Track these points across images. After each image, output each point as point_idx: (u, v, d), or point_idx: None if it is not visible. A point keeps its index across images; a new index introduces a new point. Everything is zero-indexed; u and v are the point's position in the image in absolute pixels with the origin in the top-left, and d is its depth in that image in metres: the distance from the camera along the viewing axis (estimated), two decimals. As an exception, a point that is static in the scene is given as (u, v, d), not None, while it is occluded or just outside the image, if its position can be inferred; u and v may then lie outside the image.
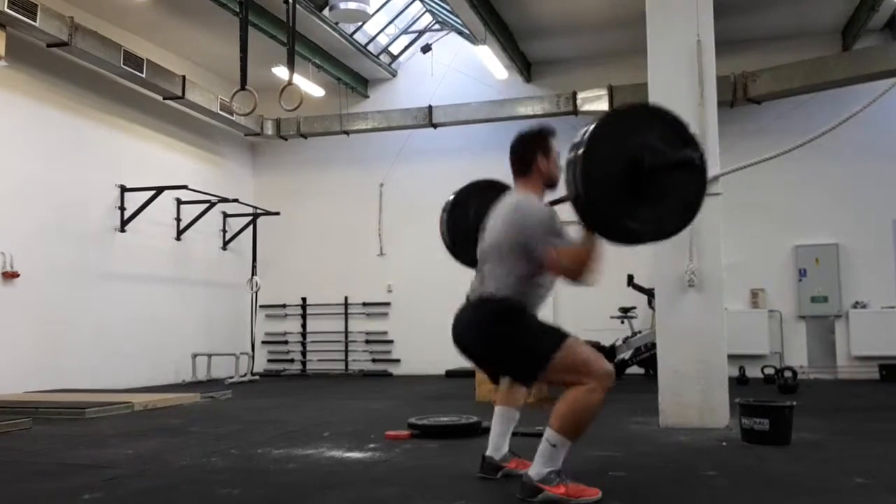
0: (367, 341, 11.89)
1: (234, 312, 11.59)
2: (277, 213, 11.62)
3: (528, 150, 3.34)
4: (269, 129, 11.76)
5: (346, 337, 11.96)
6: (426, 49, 11.42)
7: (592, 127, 2.87)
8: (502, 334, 3.08)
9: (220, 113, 10.52)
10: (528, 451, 3.54)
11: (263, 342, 12.11)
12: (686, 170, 2.93)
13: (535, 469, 3.02)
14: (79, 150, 9.05)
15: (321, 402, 7.65)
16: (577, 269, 2.98)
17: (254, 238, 11.72)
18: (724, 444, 4.51)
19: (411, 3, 11.11)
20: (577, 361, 3.01)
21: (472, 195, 3.95)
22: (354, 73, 11.77)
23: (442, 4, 10.07)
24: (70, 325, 8.71)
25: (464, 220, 3.91)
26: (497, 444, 3.50)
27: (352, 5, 8.40)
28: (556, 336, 3.05)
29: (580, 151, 2.81)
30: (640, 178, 2.85)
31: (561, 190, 3.29)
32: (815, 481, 3.50)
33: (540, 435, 3.07)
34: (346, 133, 11.66)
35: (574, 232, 3.03)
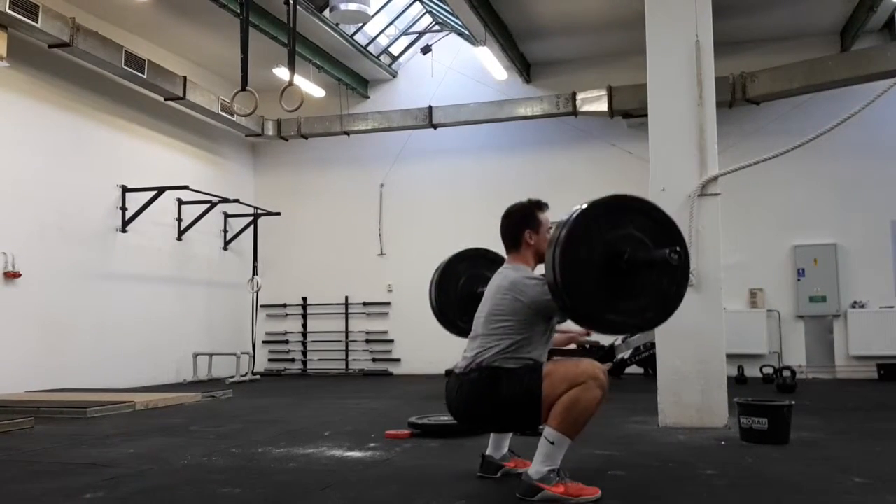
0: (368, 341, 11.92)
1: (235, 312, 11.61)
2: (278, 214, 11.65)
3: (517, 228, 3.41)
4: (270, 129, 11.78)
5: (347, 336, 11.99)
6: (426, 50, 11.45)
7: (577, 213, 2.90)
8: (489, 403, 3.15)
9: (221, 113, 10.54)
10: (527, 451, 3.56)
11: (264, 342, 12.13)
12: (667, 268, 2.93)
13: (535, 468, 3.04)
14: (80, 150, 9.08)
15: (322, 401, 7.66)
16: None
17: (254, 238, 11.74)
18: (722, 443, 4.53)
19: (411, 4, 11.13)
20: (565, 377, 3.06)
21: (461, 264, 4.01)
22: (355, 74, 11.79)
23: (442, 6, 10.09)
24: (71, 325, 8.73)
25: (453, 287, 4.00)
26: (497, 444, 3.51)
27: (352, 6, 8.42)
28: (533, 373, 3.11)
29: (556, 250, 2.84)
30: (620, 273, 2.89)
31: None
32: (814, 480, 3.51)
33: (540, 433, 3.10)
34: (347, 133, 11.68)
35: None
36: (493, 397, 3.13)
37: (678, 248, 2.90)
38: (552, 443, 3.02)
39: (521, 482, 3.08)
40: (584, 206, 2.95)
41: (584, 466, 3.63)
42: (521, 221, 3.41)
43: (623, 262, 2.88)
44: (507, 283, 3.26)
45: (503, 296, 3.23)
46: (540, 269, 3.39)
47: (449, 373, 11.06)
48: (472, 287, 3.93)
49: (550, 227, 3.40)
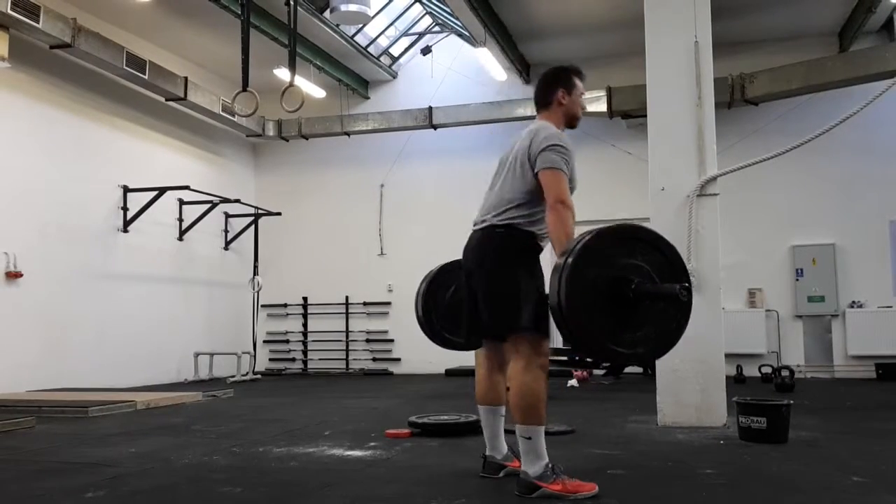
0: (368, 340, 11.94)
1: (236, 312, 11.64)
2: (279, 214, 11.67)
3: (551, 84, 3.43)
4: (271, 130, 11.80)
5: (347, 336, 12.01)
6: (426, 51, 11.48)
7: (589, 237, 2.88)
8: (501, 262, 3.16)
9: (222, 114, 10.55)
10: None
11: (265, 341, 12.15)
12: (671, 302, 2.92)
13: (529, 466, 3.07)
14: (81, 151, 9.10)
15: (322, 400, 7.68)
16: (563, 202, 3.08)
17: (255, 238, 11.77)
18: (721, 442, 4.55)
19: (411, 5, 11.15)
20: (541, 349, 3.12)
21: (449, 275, 3.89)
22: (355, 75, 11.81)
23: (442, 7, 10.10)
24: (73, 325, 8.75)
25: (441, 298, 3.91)
26: (494, 444, 3.51)
27: (352, 7, 8.44)
28: (547, 325, 3.11)
29: (562, 276, 2.80)
30: (625, 303, 2.87)
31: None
32: (812, 480, 3.52)
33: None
34: (347, 134, 11.70)
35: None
36: (499, 257, 3.18)
37: (687, 285, 2.89)
38: (528, 438, 3.06)
39: (518, 480, 3.11)
40: (595, 231, 2.91)
41: (584, 465, 3.65)
42: (556, 80, 3.42)
43: (630, 292, 2.85)
44: (529, 137, 3.26)
45: (521, 145, 3.26)
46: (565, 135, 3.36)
47: (450, 372, 11.05)
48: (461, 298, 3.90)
49: (583, 93, 3.46)
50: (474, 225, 3.37)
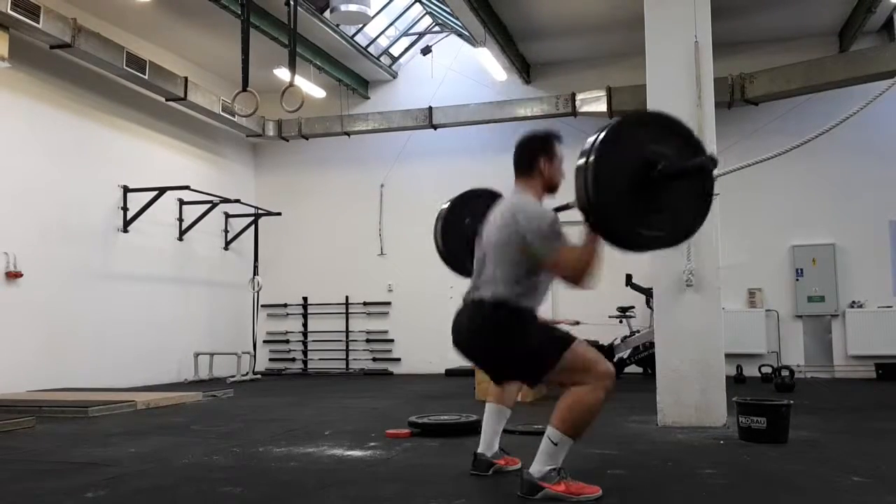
0: (368, 340, 11.94)
1: (236, 312, 11.64)
2: (279, 214, 11.67)
3: (533, 151, 3.35)
4: (271, 130, 11.80)
5: (347, 336, 12.01)
6: (426, 51, 11.48)
7: (602, 134, 2.86)
8: (507, 339, 3.07)
9: (222, 114, 10.55)
10: (521, 449, 3.59)
11: (265, 341, 12.16)
12: (696, 177, 2.93)
13: (536, 466, 3.05)
14: (81, 151, 9.10)
15: (322, 400, 7.68)
16: (579, 273, 2.98)
17: (255, 238, 11.77)
18: (721, 442, 4.55)
19: (411, 5, 11.15)
20: (582, 363, 3.04)
21: (466, 203, 3.98)
22: (355, 75, 11.81)
23: (442, 7, 10.11)
24: (73, 325, 8.75)
25: (458, 227, 3.93)
26: (489, 442, 3.53)
27: (352, 7, 8.44)
28: (563, 339, 3.06)
29: (591, 158, 2.79)
30: (651, 186, 2.85)
31: (561, 196, 3.32)
32: (812, 479, 3.52)
33: (538, 433, 3.11)
34: (347, 134, 11.70)
35: (576, 236, 3.03)
36: (509, 339, 3.08)
37: (712, 156, 2.87)
38: (555, 443, 3.02)
39: (522, 480, 3.09)
40: (614, 121, 2.92)
41: (584, 465, 3.65)
42: (539, 148, 3.35)
43: (656, 173, 2.83)
44: (508, 211, 3.20)
45: (505, 224, 3.17)
46: (547, 204, 3.34)
47: (449, 372, 11.05)
48: (480, 226, 3.91)
49: (562, 160, 3.38)
50: (465, 297, 3.29)
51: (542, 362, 3.04)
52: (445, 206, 4.04)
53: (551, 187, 3.37)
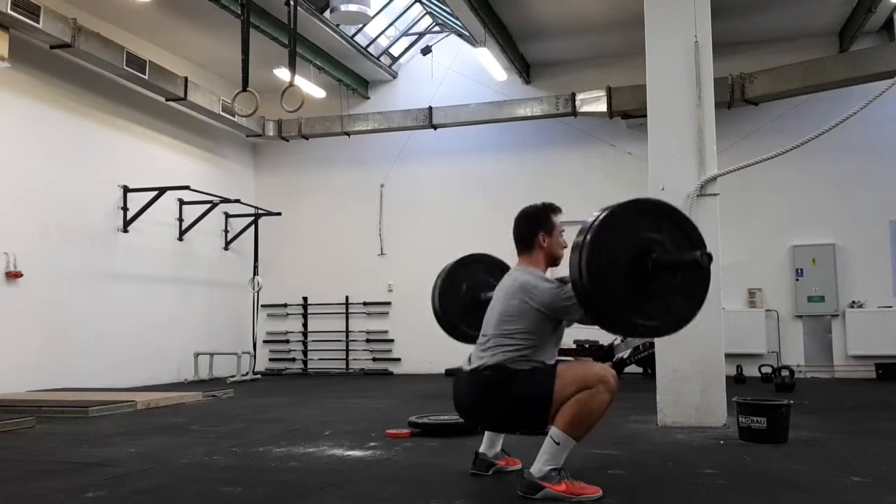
0: (368, 340, 11.94)
1: (236, 312, 11.64)
2: (279, 214, 11.68)
3: (530, 228, 3.40)
4: (271, 130, 11.80)
5: (347, 336, 12.01)
6: (426, 51, 11.48)
7: (602, 216, 2.88)
8: (498, 394, 3.14)
9: (222, 114, 10.56)
10: (521, 449, 3.58)
11: (265, 341, 12.16)
12: (692, 271, 2.95)
13: (538, 466, 3.06)
14: (81, 150, 9.10)
15: (322, 400, 7.68)
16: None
17: (255, 238, 11.77)
18: (721, 442, 4.55)
19: (412, 5, 11.15)
20: (575, 379, 3.08)
21: (466, 267, 4.06)
22: (355, 75, 11.81)
23: (442, 7, 10.11)
24: (73, 325, 8.76)
25: (455, 290, 4.02)
26: (491, 442, 3.54)
27: (352, 7, 8.44)
28: (545, 374, 3.11)
29: (587, 237, 2.82)
30: (645, 274, 2.87)
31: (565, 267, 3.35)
32: (812, 479, 3.52)
33: (546, 433, 3.11)
34: (347, 134, 11.70)
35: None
36: (504, 396, 3.13)
37: (708, 252, 2.89)
38: (557, 443, 3.03)
39: (522, 480, 3.10)
40: (610, 208, 2.92)
41: (584, 465, 3.65)
42: (535, 224, 3.40)
43: (650, 262, 2.86)
44: (517, 284, 3.25)
45: (512, 298, 3.23)
46: (551, 273, 3.40)
47: (449, 372, 11.06)
48: (476, 293, 3.97)
49: (563, 231, 3.42)
50: (465, 365, 3.33)
51: (539, 407, 3.08)
52: (447, 266, 4.11)
53: (553, 260, 3.41)
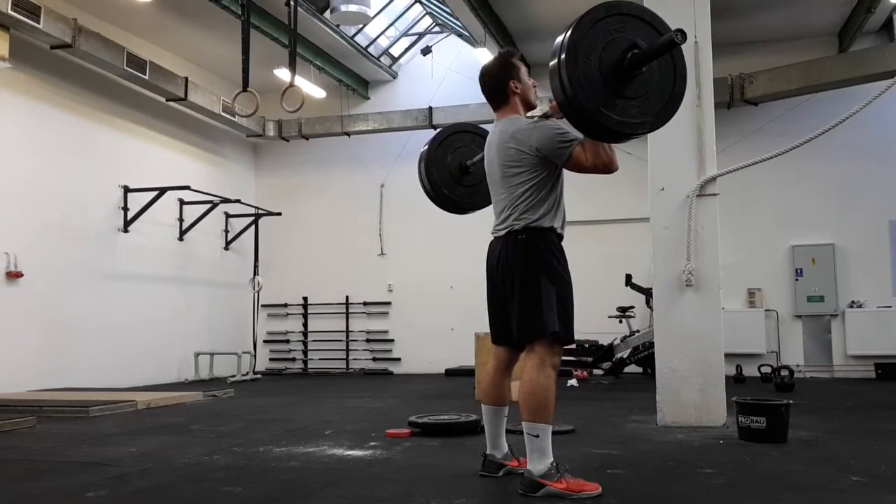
0: (368, 340, 11.95)
1: (236, 312, 11.65)
2: (279, 214, 11.68)
3: (499, 80, 3.42)
4: (271, 130, 11.82)
5: (347, 336, 12.02)
6: (426, 51, 11.49)
7: (569, 32, 2.90)
8: (544, 273, 3.17)
9: (223, 114, 10.57)
10: (521, 449, 3.58)
11: (265, 341, 12.17)
12: (668, 55, 2.95)
13: (534, 464, 3.07)
14: (82, 151, 9.11)
15: (322, 400, 7.69)
16: (603, 154, 3.09)
17: (255, 238, 11.78)
18: (721, 442, 4.55)
19: (412, 5, 11.16)
20: (557, 350, 3.21)
21: (443, 142, 4.17)
22: (355, 75, 11.82)
23: (442, 7, 10.11)
24: (73, 325, 8.76)
25: (440, 165, 4.13)
26: (495, 443, 3.51)
27: (353, 8, 8.45)
28: (571, 327, 3.22)
29: (561, 57, 2.84)
30: (625, 74, 2.89)
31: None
32: (812, 479, 3.52)
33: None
34: (347, 134, 11.71)
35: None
36: (537, 261, 3.19)
37: (680, 29, 2.86)
38: (535, 436, 3.07)
39: (522, 479, 3.11)
40: (576, 20, 2.94)
41: (584, 465, 3.65)
42: (503, 73, 3.41)
43: (628, 58, 2.87)
44: (507, 135, 3.28)
45: (507, 149, 3.26)
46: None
47: (450, 372, 11.01)
48: (460, 160, 4.11)
49: (529, 73, 3.48)
50: (493, 232, 3.39)
51: (548, 325, 3.13)
52: (425, 147, 4.18)
53: (529, 103, 3.44)
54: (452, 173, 4.10)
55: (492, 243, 3.40)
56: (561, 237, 3.32)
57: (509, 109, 3.40)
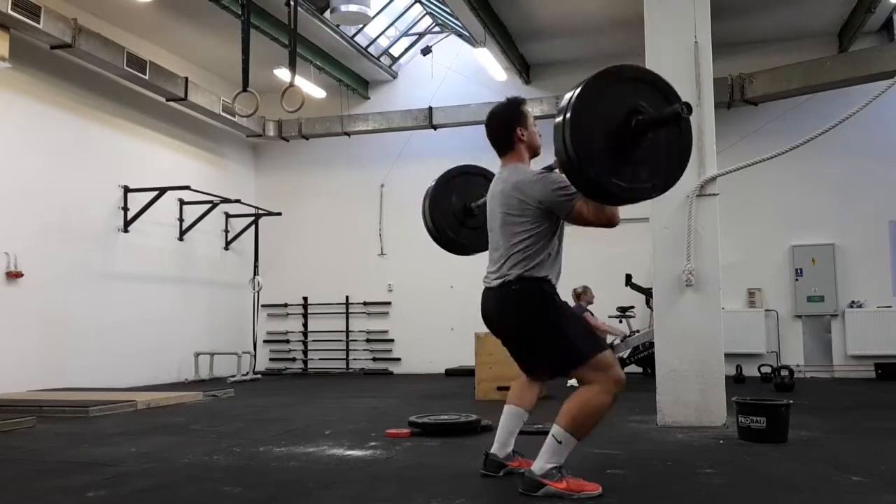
0: (368, 340, 11.95)
1: (237, 312, 11.65)
2: (279, 214, 11.68)
3: (506, 126, 3.42)
4: (271, 130, 11.82)
5: (347, 336, 12.02)
6: (426, 51, 11.48)
7: (577, 91, 2.89)
8: (545, 322, 3.15)
9: (223, 114, 10.57)
10: (521, 448, 3.58)
11: (265, 341, 12.17)
12: (673, 125, 2.95)
13: (539, 464, 3.07)
14: (82, 151, 9.11)
15: (322, 400, 7.69)
16: (607, 212, 3.08)
17: (255, 238, 11.78)
18: (721, 442, 4.55)
19: (412, 5, 11.16)
20: (604, 365, 3.13)
21: (450, 181, 4.17)
22: (355, 75, 11.82)
23: (442, 7, 10.11)
24: (73, 325, 8.76)
25: (445, 205, 4.12)
26: (503, 443, 3.51)
27: (353, 8, 8.45)
28: (598, 339, 3.22)
29: (567, 116, 2.83)
30: (629, 139, 2.88)
31: (545, 158, 3.36)
32: (812, 479, 3.53)
33: (540, 433, 3.12)
34: (347, 134, 11.72)
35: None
36: (536, 313, 3.16)
37: (686, 102, 2.87)
38: (559, 441, 3.05)
39: (523, 478, 3.11)
40: (583, 81, 2.93)
41: (584, 465, 3.65)
42: (510, 120, 3.41)
43: (633, 123, 2.86)
44: (510, 184, 3.27)
45: (510, 198, 3.25)
46: (535, 165, 3.43)
47: (450, 372, 11.01)
48: (464, 202, 4.08)
49: (535, 122, 3.47)
50: (485, 280, 3.36)
51: (579, 356, 3.12)
52: (431, 185, 4.19)
53: (534, 151, 3.44)
54: (456, 214, 4.09)
55: (484, 293, 3.35)
56: (553, 287, 3.27)
57: (514, 157, 3.40)
